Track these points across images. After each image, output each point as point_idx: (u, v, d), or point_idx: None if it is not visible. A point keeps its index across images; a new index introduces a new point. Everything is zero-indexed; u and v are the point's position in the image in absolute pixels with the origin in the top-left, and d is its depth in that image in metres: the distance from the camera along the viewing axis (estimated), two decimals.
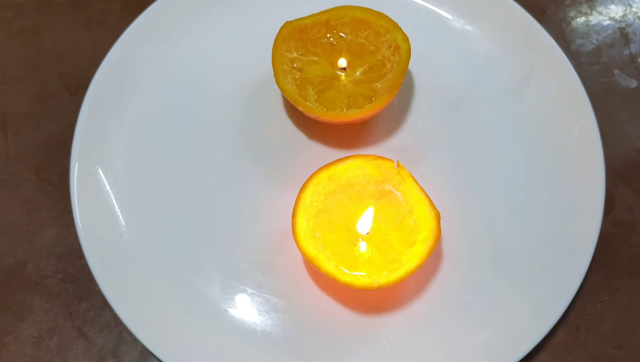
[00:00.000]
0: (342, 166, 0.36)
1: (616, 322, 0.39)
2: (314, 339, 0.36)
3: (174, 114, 0.42)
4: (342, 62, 0.40)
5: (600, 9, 0.49)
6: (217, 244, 0.38)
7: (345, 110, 0.38)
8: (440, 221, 0.35)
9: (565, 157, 0.40)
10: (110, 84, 0.41)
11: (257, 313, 0.37)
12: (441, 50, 0.44)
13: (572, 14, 0.49)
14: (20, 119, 0.43)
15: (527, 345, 0.35)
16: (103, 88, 0.41)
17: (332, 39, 0.41)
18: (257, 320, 0.36)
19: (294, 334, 0.36)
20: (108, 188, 0.39)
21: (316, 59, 0.40)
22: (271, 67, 0.38)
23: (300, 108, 0.38)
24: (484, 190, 0.40)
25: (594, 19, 0.48)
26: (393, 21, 0.39)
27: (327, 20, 0.40)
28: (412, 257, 0.34)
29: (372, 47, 0.40)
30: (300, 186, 0.36)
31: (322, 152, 0.41)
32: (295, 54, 0.40)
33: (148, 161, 0.40)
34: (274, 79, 0.38)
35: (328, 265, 0.34)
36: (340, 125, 0.41)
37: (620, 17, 0.48)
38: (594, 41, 0.47)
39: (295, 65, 0.40)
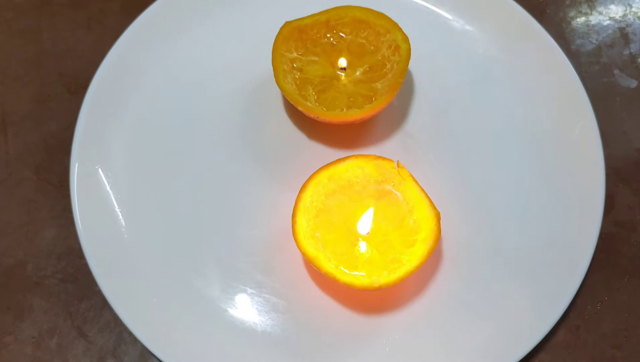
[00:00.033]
0: (342, 166, 0.36)
1: (616, 322, 0.39)
2: (314, 339, 0.36)
3: (174, 114, 0.42)
4: (342, 62, 0.40)
5: (600, 9, 0.49)
6: (217, 244, 0.38)
7: (345, 110, 0.38)
8: (440, 221, 0.35)
9: (565, 157, 0.40)
10: (110, 84, 0.41)
11: (257, 313, 0.37)
12: (441, 50, 0.44)
13: (572, 14, 0.49)
14: (20, 119, 0.43)
15: (527, 345, 0.35)
16: (103, 88, 0.41)
17: (332, 39, 0.41)
18: (257, 320, 0.36)
19: (294, 334, 0.36)
20: (108, 188, 0.39)
21: (316, 59, 0.40)
22: (271, 67, 0.38)
23: (300, 108, 0.38)
24: (484, 190, 0.40)
25: (594, 19, 0.48)
26: (393, 21, 0.39)
27: (327, 20, 0.40)
28: (412, 257, 0.34)
29: (372, 47, 0.40)
30: (300, 186, 0.36)
31: (322, 152, 0.41)
32: (295, 54, 0.40)
33: (148, 161, 0.40)
34: (274, 79, 0.38)
35: (328, 265, 0.34)
36: (340, 125, 0.41)
37: (620, 17, 0.48)
38: (594, 41, 0.47)
39: (295, 65, 0.40)
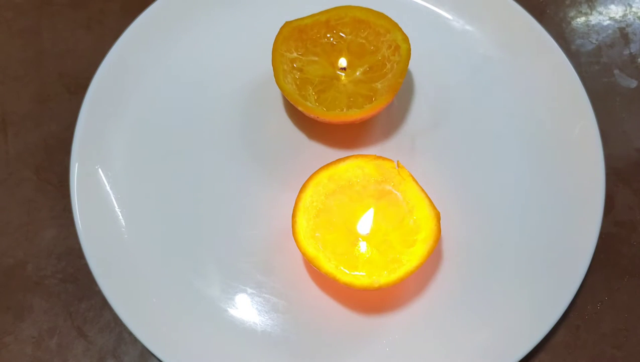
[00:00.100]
0: (342, 166, 0.36)
1: (616, 322, 0.39)
2: (314, 339, 0.36)
3: (174, 114, 0.42)
4: (342, 62, 0.40)
5: (600, 9, 0.49)
6: (217, 244, 0.38)
7: (345, 110, 0.38)
8: (440, 221, 0.35)
9: (565, 157, 0.40)
10: (110, 84, 0.41)
11: (257, 313, 0.37)
12: (441, 50, 0.44)
13: (572, 14, 0.49)
14: (20, 119, 0.43)
15: (527, 345, 0.35)
16: (103, 88, 0.41)
17: (332, 39, 0.41)
18: (257, 320, 0.36)
19: (294, 334, 0.36)
20: (108, 188, 0.39)
21: (316, 59, 0.40)
22: (271, 67, 0.38)
23: (300, 108, 0.38)
24: (484, 190, 0.40)
25: (594, 19, 0.48)
26: (393, 21, 0.39)
27: (327, 20, 0.40)
28: (412, 257, 0.34)
29: (372, 47, 0.40)
30: (300, 186, 0.36)
31: (322, 152, 0.41)
32: (295, 54, 0.40)
33: (148, 161, 0.40)
34: (274, 79, 0.38)
35: (328, 265, 0.34)
36: (340, 125, 0.41)
37: (620, 17, 0.48)
38: (594, 41, 0.47)
39: (295, 65, 0.40)
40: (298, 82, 0.39)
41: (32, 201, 0.41)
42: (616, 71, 0.46)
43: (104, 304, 0.38)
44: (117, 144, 0.40)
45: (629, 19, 0.48)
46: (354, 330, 0.36)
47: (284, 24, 0.39)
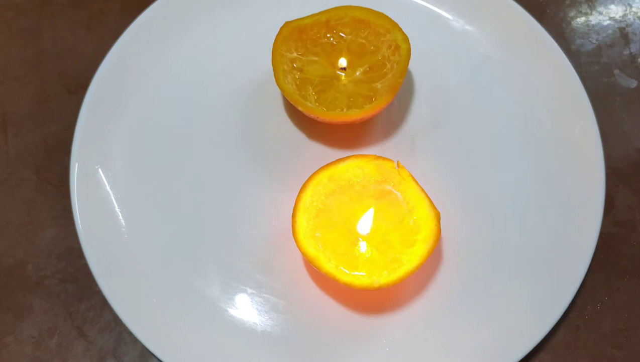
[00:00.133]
0: (342, 166, 0.36)
1: (616, 322, 0.39)
2: (314, 339, 0.36)
3: (174, 114, 0.42)
4: (342, 62, 0.40)
5: (600, 9, 0.49)
6: (217, 244, 0.38)
7: (345, 110, 0.38)
8: (440, 221, 0.35)
9: (565, 157, 0.40)
10: (110, 84, 0.41)
11: (257, 313, 0.37)
12: (441, 50, 0.44)
13: (572, 14, 0.49)
14: (20, 119, 0.43)
15: (527, 345, 0.35)
16: (103, 88, 0.41)
17: (332, 39, 0.41)
18: (257, 320, 0.36)
19: (294, 334, 0.36)
20: (108, 188, 0.39)
21: (316, 59, 0.40)
22: (271, 67, 0.38)
23: (300, 108, 0.38)
24: (484, 190, 0.40)
25: (594, 19, 0.48)
26: (393, 21, 0.39)
27: (327, 20, 0.40)
28: (412, 257, 0.34)
29: (372, 47, 0.40)
30: (300, 186, 0.36)
31: (322, 152, 0.41)
32: (295, 54, 0.40)
33: (148, 161, 0.40)
34: (274, 79, 0.38)
35: (328, 265, 0.34)
36: (340, 125, 0.41)
37: (620, 17, 0.48)
38: (594, 41, 0.47)
39: (295, 65, 0.40)
40: (298, 82, 0.39)
41: (32, 201, 0.41)
42: (616, 71, 0.46)
43: (104, 304, 0.38)
44: (117, 144, 0.40)
45: (629, 19, 0.48)
46: (354, 330, 0.36)
47: (284, 24, 0.39)
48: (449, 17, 0.45)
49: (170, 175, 0.40)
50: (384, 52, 0.40)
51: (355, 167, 0.36)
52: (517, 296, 0.37)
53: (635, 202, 0.42)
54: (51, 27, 0.46)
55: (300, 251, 0.35)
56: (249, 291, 0.37)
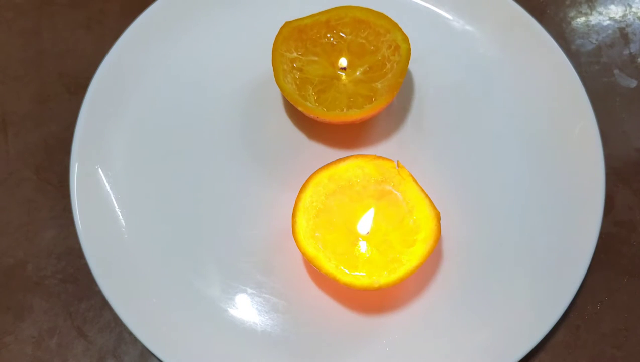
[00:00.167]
0: (342, 166, 0.36)
1: (616, 322, 0.39)
2: (314, 339, 0.36)
3: (174, 114, 0.42)
4: (343, 62, 0.40)
5: (600, 9, 0.49)
6: (217, 244, 0.38)
7: (345, 110, 0.38)
8: (440, 221, 0.35)
9: (565, 157, 0.40)
10: (110, 84, 0.41)
11: (257, 313, 0.37)
12: (441, 50, 0.44)
13: (572, 14, 0.49)
14: (20, 119, 0.43)
15: (527, 345, 0.35)
16: (103, 88, 0.41)
17: (332, 39, 0.41)
18: (257, 320, 0.36)
19: (294, 334, 0.36)
20: (108, 188, 0.39)
21: (316, 59, 0.40)
22: (271, 67, 0.38)
23: (300, 108, 0.38)
24: (484, 190, 0.40)
25: (594, 19, 0.48)
26: (393, 21, 0.39)
27: (327, 20, 0.40)
28: (412, 257, 0.34)
29: (372, 47, 0.40)
30: (300, 186, 0.36)
31: (322, 152, 0.41)
32: (295, 54, 0.40)
33: (148, 161, 0.40)
34: (274, 79, 0.38)
35: (328, 265, 0.34)
36: (340, 125, 0.41)
37: (620, 17, 0.48)
38: (594, 41, 0.47)
39: (295, 65, 0.40)
40: (298, 82, 0.39)
41: (32, 201, 0.41)
42: (616, 71, 0.46)
43: (104, 304, 0.38)
44: (117, 144, 0.40)
45: (629, 19, 0.48)
46: (354, 330, 0.36)
47: (284, 24, 0.39)
48: (449, 17, 0.45)
49: (170, 175, 0.40)
50: (384, 52, 0.40)
51: (355, 167, 0.36)
52: (517, 296, 0.37)
53: (635, 202, 0.42)
54: (51, 27, 0.46)
55: (300, 251, 0.35)
56: (249, 291, 0.37)
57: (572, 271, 0.37)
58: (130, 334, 0.38)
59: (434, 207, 0.35)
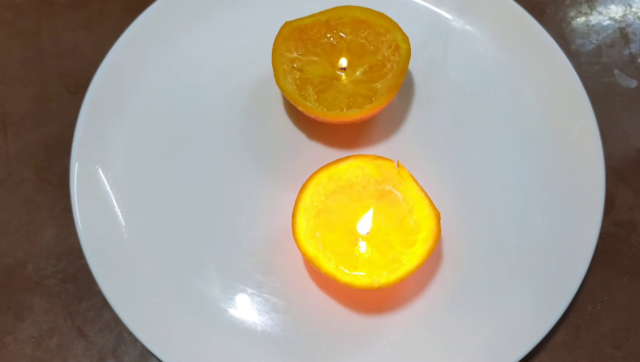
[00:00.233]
0: (342, 166, 0.36)
1: (616, 322, 0.39)
2: (314, 339, 0.36)
3: (174, 114, 0.42)
4: (343, 62, 0.40)
5: (600, 9, 0.49)
6: (217, 244, 0.38)
7: (345, 110, 0.38)
8: (440, 221, 0.35)
9: (565, 157, 0.40)
10: (110, 84, 0.41)
11: (257, 313, 0.37)
12: (441, 50, 0.44)
13: (572, 14, 0.49)
14: (20, 119, 0.43)
15: (527, 345, 0.35)
16: (103, 88, 0.41)
17: (332, 39, 0.41)
18: (257, 320, 0.36)
19: (294, 334, 0.36)
20: (108, 188, 0.39)
21: (316, 59, 0.40)
22: (271, 67, 0.38)
23: (300, 108, 0.38)
24: (484, 190, 0.40)
25: (594, 19, 0.48)
26: (393, 21, 0.39)
27: (327, 20, 0.40)
28: (412, 257, 0.34)
29: (372, 47, 0.40)
30: (300, 186, 0.36)
31: (322, 152, 0.41)
32: (295, 54, 0.40)
33: (148, 161, 0.40)
34: (274, 79, 0.38)
35: (328, 265, 0.34)
36: (340, 125, 0.41)
37: (620, 17, 0.48)
38: (594, 41, 0.47)
39: (295, 65, 0.40)
40: (298, 82, 0.39)
41: (32, 201, 0.41)
42: (616, 71, 0.46)
43: (104, 304, 0.38)
44: (117, 144, 0.40)
45: (629, 19, 0.48)
46: (354, 330, 0.36)
47: (284, 24, 0.39)
48: (449, 17, 0.45)
49: (170, 175, 0.40)
50: (384, 52, 0.40)
51: (355, 167, 0.36)
52: (517, 296, 0.37)
53: (635, 202, 0.42)
54: (51, 27, 0.46)
55: (300, 251, 0.35)
56: (249, 291, 0.37)
57: (572, 271, 0.37)
58: (130, 334, 0.38)
59: (434, 207, 0.35)
